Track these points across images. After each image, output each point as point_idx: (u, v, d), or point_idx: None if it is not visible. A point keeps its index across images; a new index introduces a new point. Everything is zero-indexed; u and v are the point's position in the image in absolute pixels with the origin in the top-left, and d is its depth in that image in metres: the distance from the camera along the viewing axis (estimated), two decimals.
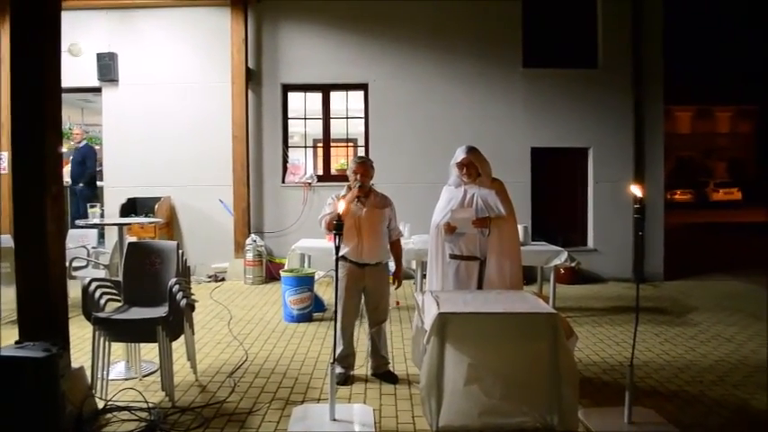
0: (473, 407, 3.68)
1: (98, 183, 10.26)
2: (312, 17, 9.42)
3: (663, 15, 9.43)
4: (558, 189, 9.64)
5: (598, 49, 9.49)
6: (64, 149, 9.30)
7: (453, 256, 4.66)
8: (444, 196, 4.81)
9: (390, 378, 4.74)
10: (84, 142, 10.35)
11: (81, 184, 10.13)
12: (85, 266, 6.98)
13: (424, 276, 6.14)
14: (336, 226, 3.92)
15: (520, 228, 5.47)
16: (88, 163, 10.09)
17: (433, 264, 4.79)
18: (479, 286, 4.58)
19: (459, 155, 4.64)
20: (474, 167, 4.62)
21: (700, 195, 36.70)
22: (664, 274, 9.32)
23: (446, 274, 4.69)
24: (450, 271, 4.68)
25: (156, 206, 9.06)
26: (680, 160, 41.38)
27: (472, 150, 4.63)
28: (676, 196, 35.70)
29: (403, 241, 6.16)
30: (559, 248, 6.96)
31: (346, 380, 4.69)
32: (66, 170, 10.51)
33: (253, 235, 9.13)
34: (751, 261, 11.34)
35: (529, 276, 7.89)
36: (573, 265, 6.94)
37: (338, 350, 4.64)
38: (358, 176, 4.66)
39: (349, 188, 4.71)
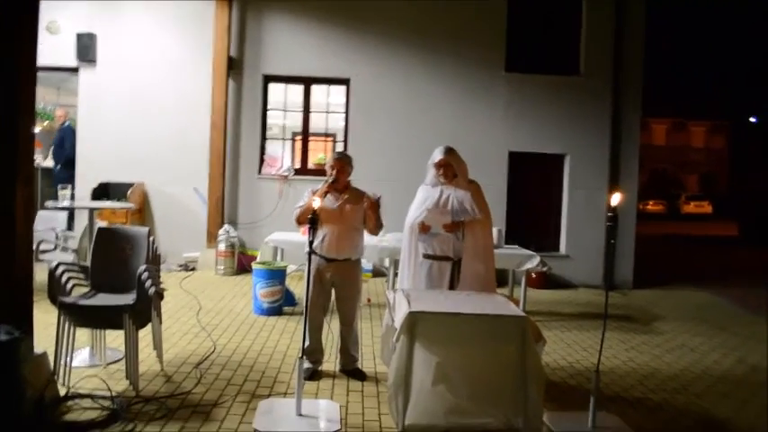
0: (439, 406, 3.69)
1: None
2: (297, 9, 9.34)
3: (644, 27, 9.54)
4: (533, 194, 9.70)
5: (580, 56, 9.58)
6: (37, 130, 9.11)
7: (426, 256, 4.66)
8: (420, 195, 4.81)
9: (358, 375, 4.74)
10: (67, 123, 10.08)
11: (58, 166, 9.92)
12: (53, 250, 6.86)
13: (396, 274, 6.14)
14: (311, 221, 3.92)
15: (494, 230, 5.49)
16: (65, 144, 9.86)
17: (405, 262, 4.79)
18: (451, 287, 4.60)
19: (437, 155, 4.65)
20: (451, 168, 4.63)
21: (671, 207, 37.29)
22: (633, 282, 9.45)
23: (418, 273, 4.69)
24: (422, 270, 4.67)
25: (129, 191, 8.89)
26: (654, 171, 42.07)
27: (450, 151, 4.64)
28: (648, 207, 36.24)
29: (377, 239, 6.15)
30: (532, 253, 7.00)
31: (313, 375, 4.67)
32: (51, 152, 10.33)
33: (226, 225, 9.03)
34: (718, 273, 11.57)
35: (500, 279, 7.93)
36: (544, 269, 7.01)
37: (306, 344, 4.62)
38: (334, 172, 4.65)
39: (326, 182, 4.71)
